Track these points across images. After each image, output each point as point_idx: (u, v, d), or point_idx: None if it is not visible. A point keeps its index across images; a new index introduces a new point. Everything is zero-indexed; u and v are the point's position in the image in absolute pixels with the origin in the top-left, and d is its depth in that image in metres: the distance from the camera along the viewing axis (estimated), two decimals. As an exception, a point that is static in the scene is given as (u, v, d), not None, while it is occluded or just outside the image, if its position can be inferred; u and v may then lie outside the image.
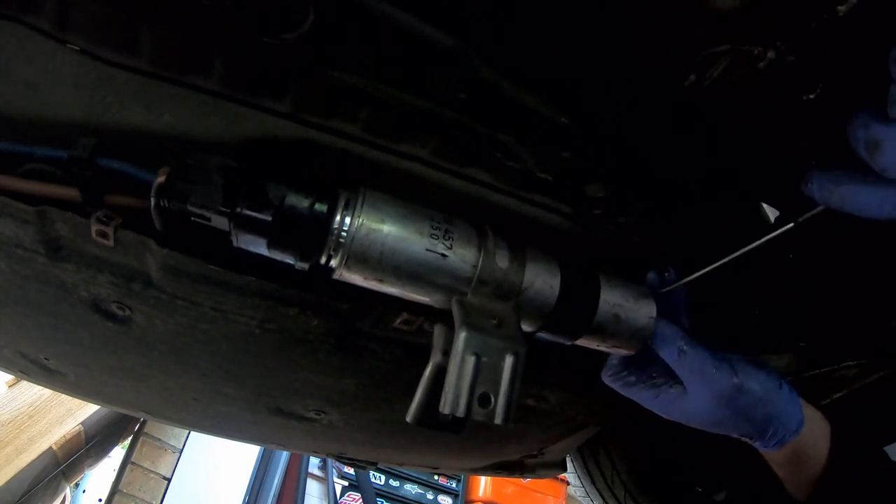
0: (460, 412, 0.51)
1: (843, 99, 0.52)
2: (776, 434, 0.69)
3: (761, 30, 0.49)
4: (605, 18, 0.54)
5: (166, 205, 0.56)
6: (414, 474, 5.04)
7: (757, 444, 0.71)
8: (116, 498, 3.69)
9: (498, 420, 0.52)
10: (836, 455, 0.72)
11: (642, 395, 0.72)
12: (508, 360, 0.54)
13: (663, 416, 0.72)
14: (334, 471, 4.84)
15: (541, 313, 0.61)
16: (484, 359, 0.53)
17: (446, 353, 0.56)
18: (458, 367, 0.52)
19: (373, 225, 0.56)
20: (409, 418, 0.58)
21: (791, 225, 0.59)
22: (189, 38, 0.58)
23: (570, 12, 0.55)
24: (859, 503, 0.72)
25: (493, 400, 0.52)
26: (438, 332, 0.59)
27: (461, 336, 0.53)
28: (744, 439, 0.71)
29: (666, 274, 0.69)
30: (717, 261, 0.65)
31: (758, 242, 0.61)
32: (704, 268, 0.66)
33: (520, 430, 1.14)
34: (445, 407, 0.52)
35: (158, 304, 0.71)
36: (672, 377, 0.70)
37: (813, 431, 0.71)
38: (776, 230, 0.60)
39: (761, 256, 0.62)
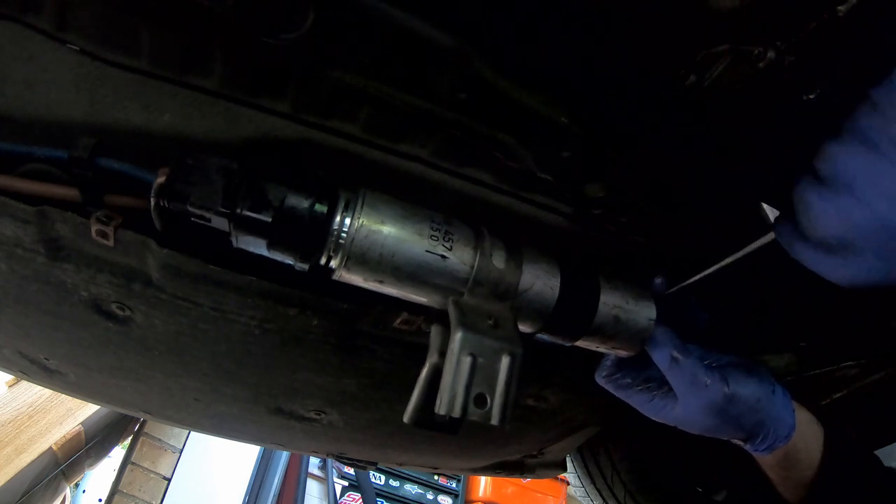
0: (456, 413, 0.51)
1: (843, 99, 0.52)
2: (766, 439, 0.69)
3: (761, 30, 0.49)
4: (604, 18, 0.54)
5: (166, 205, 0.56)
6: (414, 474, 5.04)
7: (747, 447, 0.71)
8: (116, 498, 3.69)
9: (494, 421, 0.52)
10: (827, 460, 0.71)
11: (635, 398, 0.72)
12: (505, 361, 0.53)
13: (654, 419, 0.72)
14: (334, 471, 4.84)
15: (540, 314, 0.61)
16: (480, 359, 0.53)
17: (443, 353, 0.56)
18: (454, 367, 0.52)
19: (373, 226, 0.56)
20: (405, 419, 0.58)
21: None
22: (189, 38, 0.58)
23: (570, 12, 0.55)
24: None
25: (489, 401, 0.52)
26: (435, 332, 0.59)
27: (457, 336, 0.53)
28: (735, 442, 0.71)
29: (657, 280, 0.69)
30: (714, 263, 0.65)
31: (751, 248, 0.61)
32: (701, 271, 0.66)
33: (520, 430, 1.14)
34: (441, 408, 0.52)
35: (158, 304, 0.71)
36: (665, 382, 0.69)
37: (805, 436, 0.71)
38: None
39: (761, 257, 0.62)
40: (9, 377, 2.68)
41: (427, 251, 0.57)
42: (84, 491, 4.16)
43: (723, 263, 0.64)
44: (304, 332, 0.75)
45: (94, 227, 0.60)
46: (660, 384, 0.70)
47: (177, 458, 4.06)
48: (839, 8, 0.45)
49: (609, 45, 0.57)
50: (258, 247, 0.58)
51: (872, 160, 0.45)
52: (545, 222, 0.75)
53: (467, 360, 0.52)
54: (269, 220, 0.55)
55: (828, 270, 0.53)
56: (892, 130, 0.44)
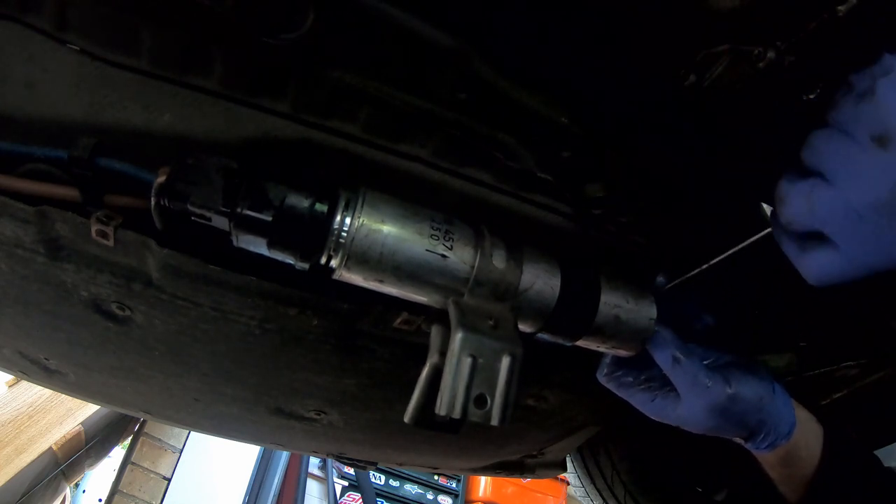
0: (456, 413, 0.51)
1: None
2: (767, 437, 0.69)
3: (761, 30, 0.49)
4: (604, 18, 0.54)
5: (166, 205, 0.56)
6: (414, 474, 5.04)
7: (748, 446, 0.72)
8: (116, 498, 3.69)
9: (494, 421, 0.52)
10: (827, 458, 0.72)
11: (636, 398, 0.72)
12: (505, 362, 0.53)
13: (656, 419, 0.72)
14: (334, 471, 4.84)
15: (541, 314, 0.61)
16: (480, 360, 0.53)
17: (443, 353, 0.56)
18: (454, 368, 0.52)
19: (373, 225, 0.56)
20: (406, 419, 0.58)
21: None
22: (189, 38, 0.58)
23: (570, 12, 0.55)
24: None
25: (489, 401, 0.52)
26: (435, 332, 0.59)
27: (457, 337, 0.53)
28: (736, 440, 0.72)
29: (657, 279, 0.69)
30: (710, 261, 0.65)
31: (748, 242, 0.62)
32: (696, 268, 0.66)
33: (520, 430, 1.14)
34: (441, 408, 0.52)
35: (158, 304, 0.71)
36: (667, 382, 0.70)
37: (805, 434, 0.72)
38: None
39: (761, 256, 0.62)
40: (9, 377, 2.68)
41: (427, 250, 0.57)
42: (84, 491, 4.16)
43: (720, 258, 0.65)
44: (304, 332, 0.75)
45: (94, 227, 0.60)
46: (661, 384, 0.70)
47: (177, 458, 4.06)
48: (839, 8, 0.45)
49: (609, 44, 0.57)
50: (258, 246, 0.58)
51: (843, 143, 0.46)
52: (545, 222, 0.75)
53: (467, 361, 0.52)
54: (270, 219, 0.55)
55: (802, 266, 0.53)
56: (862, 114, 0.44)
